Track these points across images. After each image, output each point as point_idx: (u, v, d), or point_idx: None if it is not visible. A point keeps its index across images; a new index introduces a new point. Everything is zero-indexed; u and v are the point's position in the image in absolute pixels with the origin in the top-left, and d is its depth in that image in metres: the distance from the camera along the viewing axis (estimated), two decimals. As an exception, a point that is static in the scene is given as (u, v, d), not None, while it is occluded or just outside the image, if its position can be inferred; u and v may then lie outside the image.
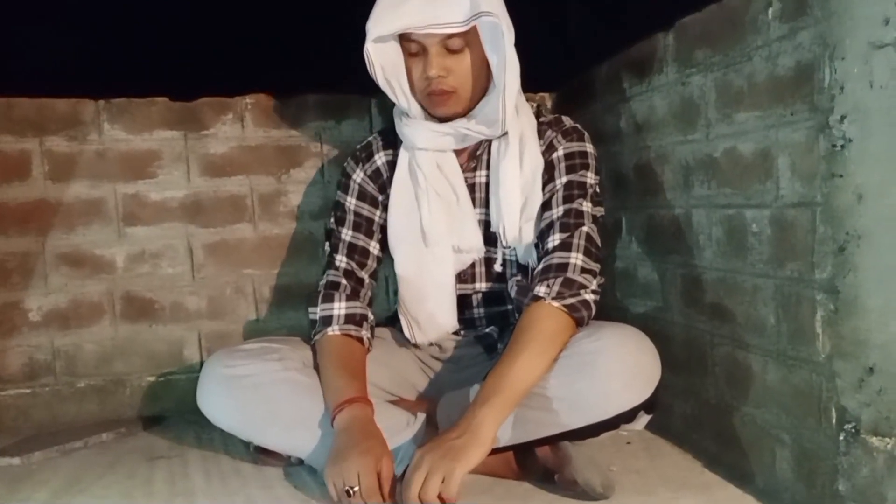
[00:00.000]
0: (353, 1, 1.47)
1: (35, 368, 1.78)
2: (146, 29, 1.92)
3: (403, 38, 1.35)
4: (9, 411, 1.76)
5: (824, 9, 0.99)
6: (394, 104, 1.47)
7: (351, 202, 1.51)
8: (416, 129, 1.42)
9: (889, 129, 0.91)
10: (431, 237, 1.41)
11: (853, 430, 0.97)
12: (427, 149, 1.42)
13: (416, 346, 1.52)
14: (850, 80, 0.95)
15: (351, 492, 1.12)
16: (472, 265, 1.47)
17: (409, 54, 1.37)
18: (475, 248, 1.44)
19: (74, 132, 1.78)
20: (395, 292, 1.51)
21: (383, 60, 1.37)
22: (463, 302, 1.48)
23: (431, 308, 1.45)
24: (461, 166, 1.44)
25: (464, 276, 1.47)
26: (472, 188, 1.45)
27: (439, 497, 1.08)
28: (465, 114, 1.39)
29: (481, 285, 1.48)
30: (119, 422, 1.74)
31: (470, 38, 1.33)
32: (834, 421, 1.01)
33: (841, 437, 0.99)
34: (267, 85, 1.87)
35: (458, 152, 1.45)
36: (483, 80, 1.36)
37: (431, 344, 1.52)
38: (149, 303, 1.83)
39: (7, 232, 1.75)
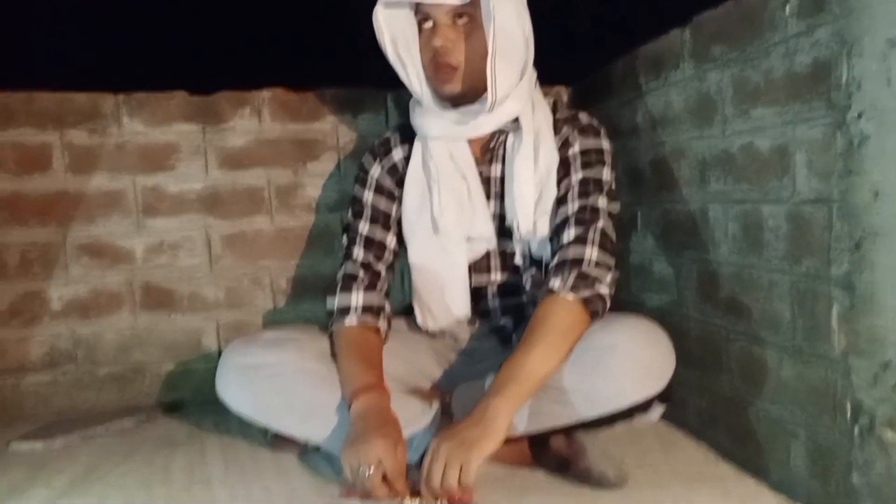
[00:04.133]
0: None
1: (56, 357, 1.80)
2: (165, 23, 1.94)
3: (417, 10, 1.38)
4: (30, 399, 1.79)
5: (842, 6, 0.99)
6: (409, 99, 1.49)
7: (368, 196, 1.52)
8: (427, 118, 1.44)
9: (907, 127, 0.91)
10: (442, 226, 1.43)
11: (868, 426, 0.98)
12: (439, 138, 1.43)
13: (431, 335, 1.54)
14: (868, 78, 0.95)
15: (368, 473, 1.13)
16: (488, 257, 1.48)
17: (420, 27, 1.39)
18: (486, 237, 1.44)
19: (94, 125, 1.79)
20: (411, 283, 1.52)
21: (395, 32, 1.39)
22: (478, 293, 1.49)
23: (444, 296, 1.47)
24: (476, 159, 1.45)
25: (479, 268, 1.48)
26: (486, 182, 1.46)
27: (458, 485, 1.10)
28: (472, 98, 1.40)
29: (496, 276, 1.49)
30: (138, 409, 1.76)
31: (479, 15, 1.34)
32: (849, 416, 1.01)
33: (856, 433, 1.00)
34: (284, 79, 1.88)
35: (472, 144, 1.46)
36: None
37: (446, 335, 1.53)
38: (167, 293, 1.85)
39: (28, 223, 1.77)
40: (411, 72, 1.42)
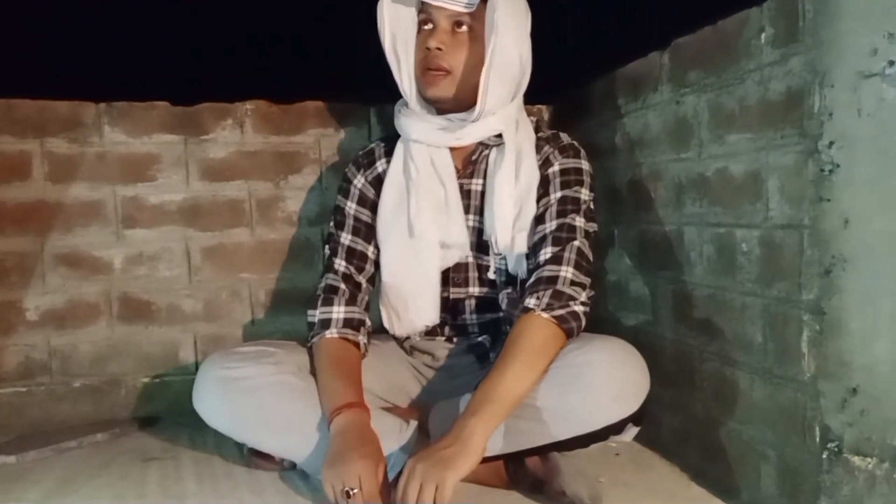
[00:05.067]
0: (354, 10, 1.49)
1: (31, 367, 1.79)
2: (148, 33, 1.94)
3: (420, 11, 1.41)
4: (3, 409, 1.77)
5: (815, 37, 1.01)
6: (392, 113, 1.51)
7: (351, 207, 1.53)
8: (411, 120, 1.45)
9: (875, 157, 0.94)
10: (418, 229, 1.43)
11: (836, 449, 1.00)
12: (420, 141, 1.44)
13: (408, 352, 1.55)
14: (839, 108, 0.98)
15: (350, 493, 1.14)
16: (466, 269, 1.49)
17: (420, 29, 1.42)
18: (461, 244, 1.45)
19: (75, 134, 1.79)
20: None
21: (396, 29, 1.42)
22: (455, 307, 1.50)
23: (412, 301, 1.47)
24: (457, 171, 1.47)
25: (457, 280, 1.49)
26: (466, 195, 1.47)
27: None
28: (458, 107, 1.42)
29: (474, 290, 1.50)
30: (113, 422, 1.75)
31: (479, 28, 1.37)
32: (817, 439, 1.03)
33: (824, 456, 1.01)
34: (267, 91, 1.89)
35: (455, 155, 1.47)
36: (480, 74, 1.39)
37: (424, 352, 1.54)
38: (145, 304, 1.84)
39: (6, 232, 1.76)
40: (404, 70, 1.44)
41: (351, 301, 1.46)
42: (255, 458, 1.42)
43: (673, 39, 1.40)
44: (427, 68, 1.39)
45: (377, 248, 1.52)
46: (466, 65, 1.39)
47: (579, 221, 1.39)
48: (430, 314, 1.48)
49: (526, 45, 1.42)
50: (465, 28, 1.38)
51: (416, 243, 1.44)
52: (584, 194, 1.42)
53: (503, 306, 1.46)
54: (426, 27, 1.41)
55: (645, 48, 1.48)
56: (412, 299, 1.47)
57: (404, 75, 1.44)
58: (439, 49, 1.38)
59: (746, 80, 1.17)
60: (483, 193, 1.46)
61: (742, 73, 1.18)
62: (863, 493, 0.96)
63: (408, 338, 1.54)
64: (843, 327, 0.98)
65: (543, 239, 1.39)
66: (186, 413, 1.48)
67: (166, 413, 1.81)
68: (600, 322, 1.65)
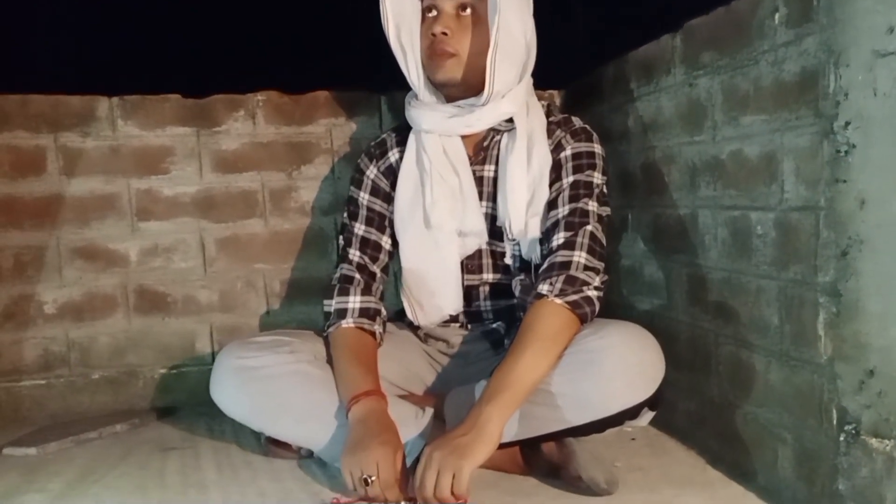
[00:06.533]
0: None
1: (50, 360, 1.81)
2: (160, 27, 1.95)
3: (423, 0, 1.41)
4: (24, 402, 1.80)
5: (829, 16, 1.00)
6: (403, 101, 1.51)
7: (364, 197, 1.53)
8: (422, 111, 1.45)
9: (891, 137, 0.92)
10: (434, 220, 1.43)
11: (853, 432, 0.99)
12: (432, 131, 1.44)
13: (423, 339, 1.55)
14: (855, 88, 0.96)
15: (368, 480, 1.15)
16: (479, 256, 1.49)
17: (424, 17, 1.42)
18: (478, 232, 1.45)
19: (89, 128, 1.80)
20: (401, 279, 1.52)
21: (399, 19, 1.42)
22: (470, 293, 1.50)
23: (435, 292, 1.48)
24: (469, 158, 1.46)
25: (471, 267, 1.49)
26: (479, 181, 1.47)
27: (451, 493, 1.11)
28: (467, 92, 1.41)
29: (488, 276, 1.50)
30: (132, 413, 1.77)
31: (482, 11, 1.37)
32: (835, 422, 1.02)
33: (841, 438, 1.01)
34: (278, 82, 1.89)
35: (466, 143, 1.47)
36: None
37: (439, 339, 1.54)
38: (161, 296, 1.86)
39: (22, 226, 1.78)
40: (410, 61, 1.44)
41: (366, 290, 1.47)
42: (273, 446, 1.43)
43: (685, 21, 1.38)
44: (433, 53, 1.39)
45: (391, 237, 1.53)
46: (472, 48, 1.38)
47: (592, 206, 1.39)
48: (453, 303, 1.48)
49: (530, 24, 1.41)
50: (468, 11, 1.38)
51: (434, 234, 1.44)
52: (597, 178, 1.42)
53: (516, 293, 1.46)
54: (430, 14, 1.41)
55: (657, 30, 1.47)
56: (436, 290, 1.48)
57: (411, 66, 1.44)
58: (445, 34, 1.37)
59: (760, 60, 1.16)
60: (496, 179, 1.46)
61: (756, 53, 1.17)
62: (881, 475, 0.95)
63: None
64: (861, 309, 0.97)
65: (556, 224, 1.39)
66: (204, 403, 1.49)
67: (184, 403, 1.83)
68: (614, 307, 1.65)
